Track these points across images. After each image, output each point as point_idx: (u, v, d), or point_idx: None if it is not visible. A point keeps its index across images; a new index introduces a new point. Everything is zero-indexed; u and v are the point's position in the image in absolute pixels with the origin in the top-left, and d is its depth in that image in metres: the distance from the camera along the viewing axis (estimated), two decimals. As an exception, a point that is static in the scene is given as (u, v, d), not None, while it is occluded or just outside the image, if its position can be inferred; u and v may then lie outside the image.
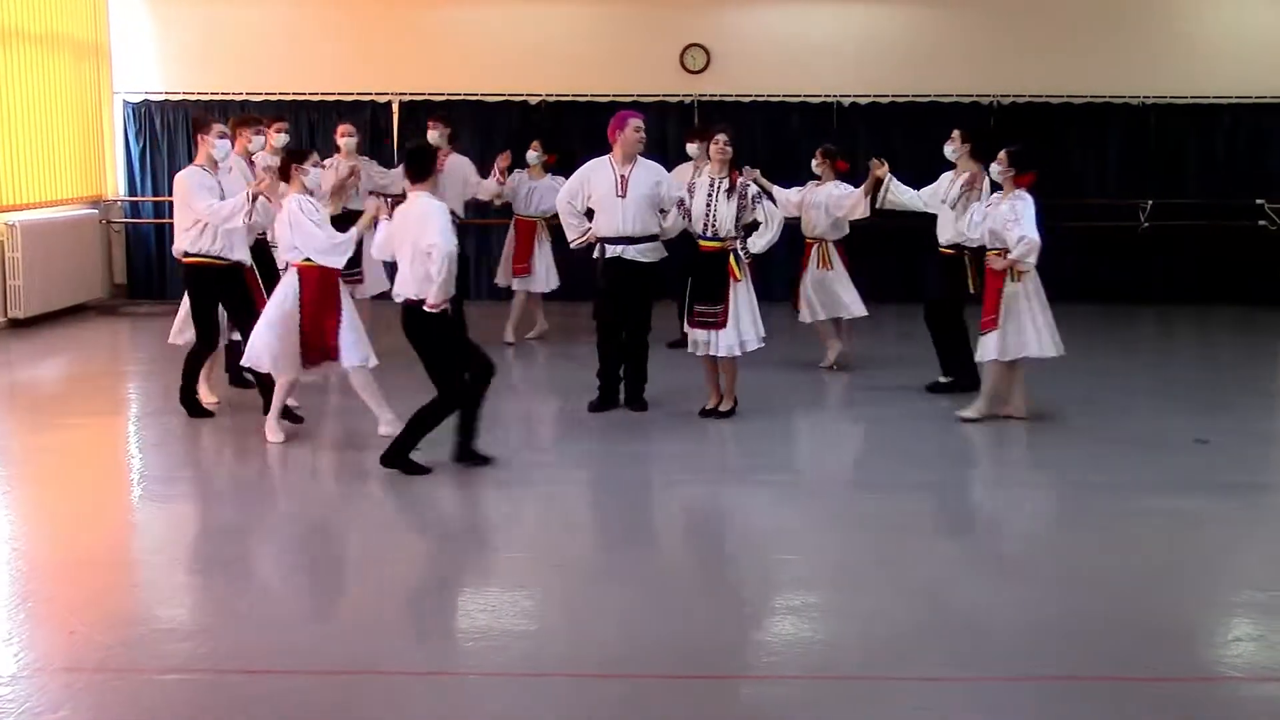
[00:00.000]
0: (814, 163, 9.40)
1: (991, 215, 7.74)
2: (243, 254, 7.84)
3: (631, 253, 8.03)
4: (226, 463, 7.36)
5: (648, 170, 8.13)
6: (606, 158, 8.14)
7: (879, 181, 8.93)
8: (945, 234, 8.58)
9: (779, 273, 11.09)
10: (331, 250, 7.11)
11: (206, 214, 7.59)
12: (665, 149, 11.55)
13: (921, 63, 13.39)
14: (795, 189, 9.40)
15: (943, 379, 8.80)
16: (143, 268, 13.67)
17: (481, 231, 12.94)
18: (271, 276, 8.32)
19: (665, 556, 5.82)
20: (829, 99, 13.47)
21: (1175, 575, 5.40)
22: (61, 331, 11.58)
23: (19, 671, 4.28)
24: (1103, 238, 13.30)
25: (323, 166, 7.55)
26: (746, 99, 13.46)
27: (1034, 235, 7.51)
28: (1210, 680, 4.35)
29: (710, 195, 7.77)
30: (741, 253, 7.78)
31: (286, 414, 7.58)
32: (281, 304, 7.18)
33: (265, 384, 7.48)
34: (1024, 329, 7.69)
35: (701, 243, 7.84)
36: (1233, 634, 4.78)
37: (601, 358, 8.27)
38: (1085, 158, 13.56)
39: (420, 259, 6.48)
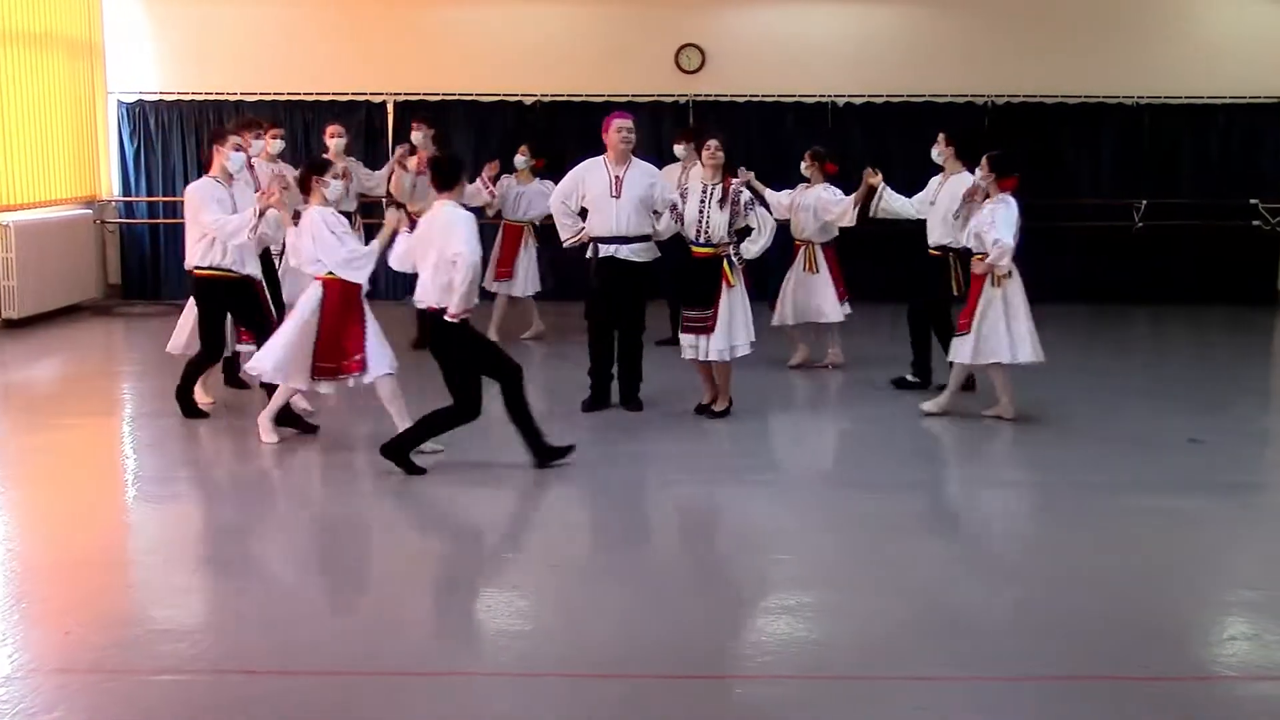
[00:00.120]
0: (803, 165, 9.39)
1: (975, 218, 7.77)
2: (254, 268, 7.76)
3: (625, 252, 8.03)
4: (222, 463, 7.33)
5: (642, 171, 8.14)
6: (601, 158, 8.13)
7: (872, 190, 8.95)
8: (934, 235, 8.61)
9: (772, 275, 11.06)
10: (352, 263, 7.01)
11: (213, 228, 7.49)
12: (660, 149, 11.51)
13: (916, 63, 13.40)
14: (786, 192, 9.40)
15: (910, 377, 8.83)
16: (137, 268, 13.63)
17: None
18: (272, 283, 8.29)
19: (661, 556, 5.82)
20: (824, 99, 13.47)
21: (1172, 575, 5.42)
22: (56, 332, 11.55)
23: (13, 673, 4.26)
24: (1097, 238, 13.32)
25: (341, 178, 7.42)
26: (741, 99, 13.46)
27: (1008, 239, 7.54)
28: (1209, 680, 4.35)
29: (703, 202, 7.74)
30: (735, 259, 7.78)
31: (298, 423, 7.53)
32: (302, 315, 7.08)
33: (269, 385, 7.42)
34: (996, 334, 7.70)
35: (694, 249, 7.83)
36: (1229, 633, 4.79)
37: (593, 357, 8.26)
38: (1080, 158, 13.56)
39: (444, 267, 6.46)
